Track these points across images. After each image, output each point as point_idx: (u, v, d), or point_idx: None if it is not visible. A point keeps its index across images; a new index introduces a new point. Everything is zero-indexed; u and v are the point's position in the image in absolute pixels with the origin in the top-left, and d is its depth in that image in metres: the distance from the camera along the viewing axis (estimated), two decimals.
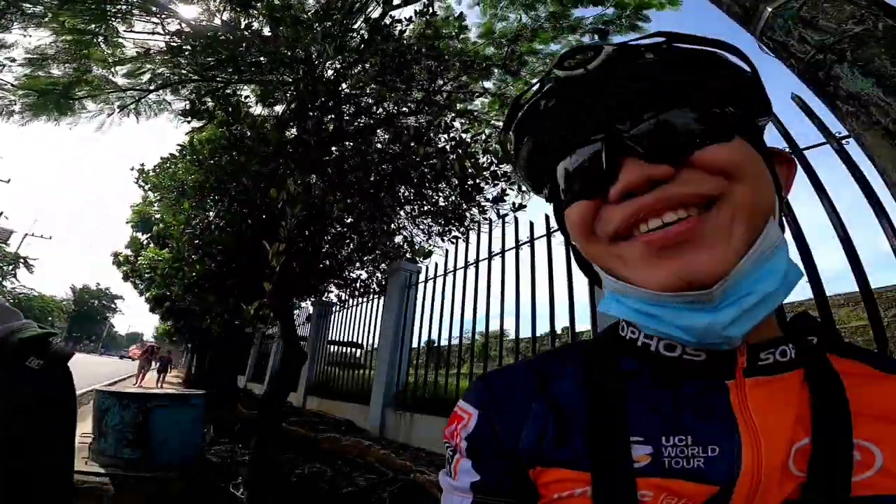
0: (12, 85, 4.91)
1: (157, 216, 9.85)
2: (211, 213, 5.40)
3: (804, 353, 0.43)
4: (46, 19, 4.30)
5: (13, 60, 4.77)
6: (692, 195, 0.39)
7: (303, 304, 9.96)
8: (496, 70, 5.21)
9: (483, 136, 4.27)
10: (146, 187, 8.93)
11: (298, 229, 3.46)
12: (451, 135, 4.24)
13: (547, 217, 3.20)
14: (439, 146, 4.05)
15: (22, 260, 50.17)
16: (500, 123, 5.72)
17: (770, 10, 1.64)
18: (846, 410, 0.39)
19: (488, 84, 5.48)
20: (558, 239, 3.01)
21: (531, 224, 3.62)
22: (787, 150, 2.28)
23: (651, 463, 0.39)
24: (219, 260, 4.94)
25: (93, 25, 4.36)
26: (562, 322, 6.59)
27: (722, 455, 0.38)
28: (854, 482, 0.36)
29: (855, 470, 0.37)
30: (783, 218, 0.48)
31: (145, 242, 11.51)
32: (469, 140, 4.28)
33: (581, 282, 2.97)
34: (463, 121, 4.58)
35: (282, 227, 3.20)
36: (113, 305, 75.36)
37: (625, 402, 0.43)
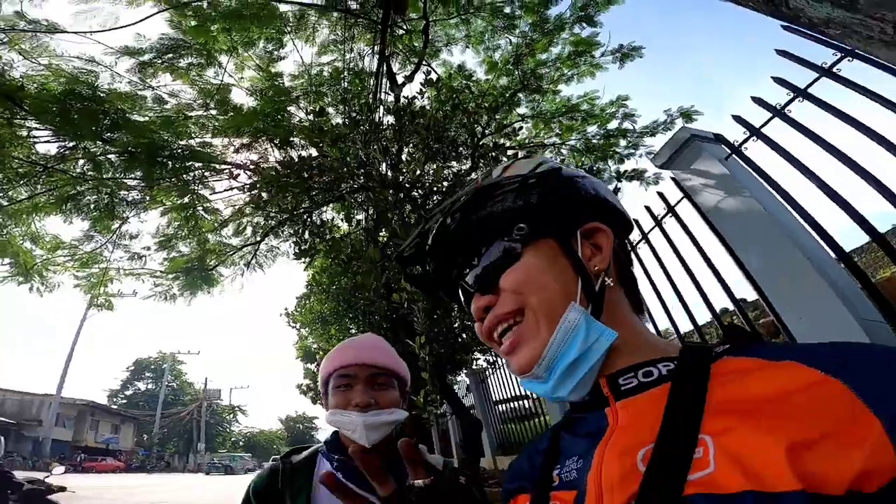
0: (161, 272, 5.49)
1: (315, 346, 11.14)
2: (353, 329, 6.02)
3: (679, 367, 0.48)
4: (147, 201, 4.82)
5: (148, 249, 5.37)
6: (505, 314, 0.55)
7: (458, 379, 10.33)
8: (521, 95, 5.29)
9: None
10: (296, 326, 10.08)
11: (429, 317, 3.72)
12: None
13: (648, 208, 2.98)
14: None
15: (237, 408, 61.02)
16: (552, 141, 5.77)
17: None
18: (697, 409, 0.43)
19: (522, 110, 5.58)
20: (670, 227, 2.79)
21: (636, 222, 3.35)
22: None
23: (558, 480, 0.52)
24: None
25: (185, 198, 4.91)
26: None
27: (584, 465, 0.49)
28: (690, 480, 0.39)
29: (694, 466, 0.39)
30: (616, 264, 0.58)
31: (316, 370, 13.09)
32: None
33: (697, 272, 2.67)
34: (517, 153, 4.64)
35: (415, 322, 3.50)
36: (312, 425, 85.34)
37: (559, 438, 0.57)
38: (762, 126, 2.25)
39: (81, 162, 4.23)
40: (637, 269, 3.04)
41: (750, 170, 2.34)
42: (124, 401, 55.46)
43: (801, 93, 2.11)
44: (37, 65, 3.68)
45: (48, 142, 4.07)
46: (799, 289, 2.03)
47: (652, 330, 0.60)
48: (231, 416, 64.08)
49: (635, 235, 3.12)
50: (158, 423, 45.60)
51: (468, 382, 9.85)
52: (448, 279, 0.63)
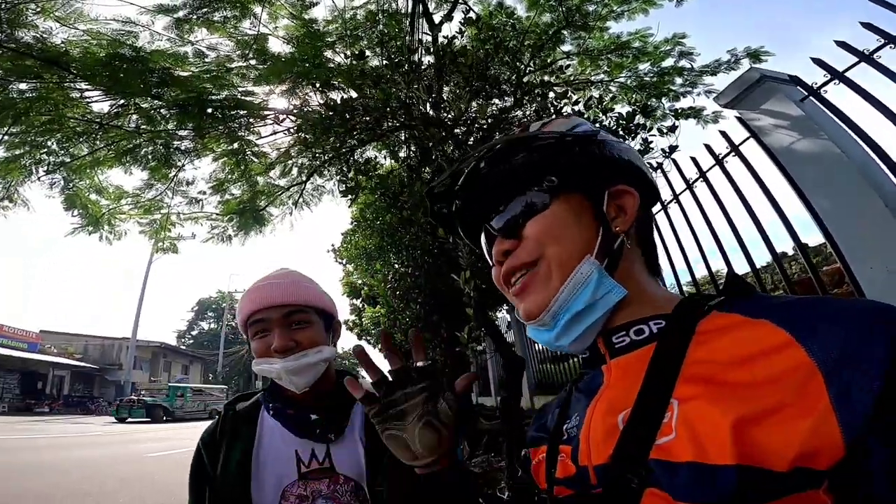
0: (217, 214, 5.67)
1: (360, 282, 11.54)
2: (397, 265, 6.20)
3: (673, 325, 0.49)
4: (199, 149, 4.93)
5: (204, 193, 5.50)
6: (520, 264, 0.57)
7: (499, 315, 10.53)
8: (565, 33, 4.93)
9: (596, 98, 4.06)
10: (343, 262, 10.33)
11: (473, 252, 3.77)
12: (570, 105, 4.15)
13: (708, 147, 2.87)
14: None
15: None
16: (599, 79, 5.41)
17: None
18: (673, 371, 0.44)
19: (567, 48, 5.21)
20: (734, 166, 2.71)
21: (694, 160, 3.18)
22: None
23: (566, 434, 0.56)
24: (419, 302, 5.59)
25: (235, 144, 5.04)
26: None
27: (580, 421, 0.53)
28: (657, 444, 0.40)
29: (662, 431, 0.41)
30: (632, 229, 0.58)
31: (361, 305, 13.68)
32: (589, 107, 4.13)
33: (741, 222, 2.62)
34: (566, 91, 4.42)
35: (460, 258, 3.54)
36: (356, 361, 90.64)
37: (572, 393, 0.61)
38: (847, 70, 2.15)
39: (135, 117, 4.36)
40: (693, 210, 3.00)
41: (829, 112, 2.23)
42: (191, 341, 57.86)
43: (893, 39, 2.00)
44: (76, 30, 3.73)
45: (100, 101, 4.18)
46: (874, 235, 1.94)
47: (667, 289, 0.61)
48: None
49: (692, 173, 3.01)
50: (221, 362, 46.94)
51: (508, 319, 10.05)
52: (472, 221, 0.65)
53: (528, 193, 0.58)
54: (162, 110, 4.29)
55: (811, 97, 2.28)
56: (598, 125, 3.86)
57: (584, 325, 0.52)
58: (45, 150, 4.43)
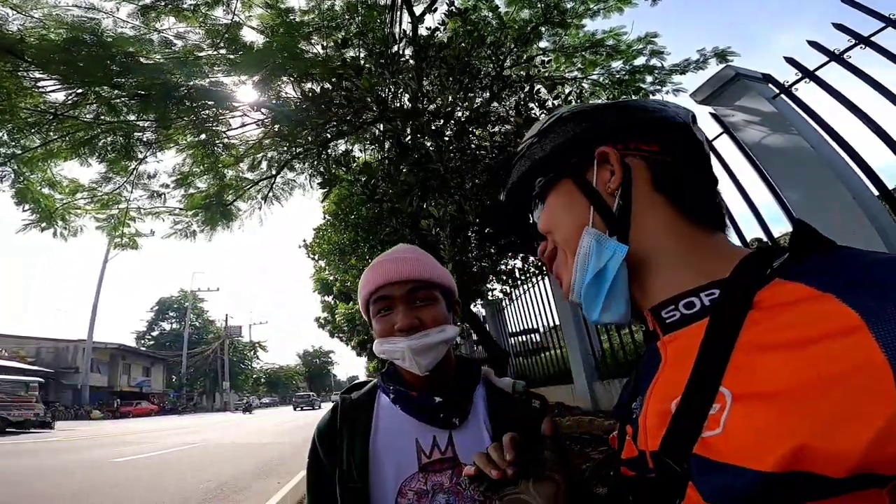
0: (180, 209, 5.47)
1: (332, 278, 11.35)
2: (372, 259, 6.11)
3: (727, 296, 0.43)
4: (162, 140, 4.73)
5: (166, 187, 5.26)
6: (547, 260, 0.62)
7: (473, 309, 10.56)
8: (542, 29, 4.98)
9: (565, 94, 4.12)
10: (315, 257, 10.11)
11: (455, 244, 3.77)
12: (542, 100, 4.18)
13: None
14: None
15: (258, 344, 63.26)
16: (573, 76, 5.50)
17: None
18: (721, 355, 0.40)
19: (543, 44, 5.27)
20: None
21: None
22: None
23: (634, 414, 0.53)
24: None
25: (202, 136, 4.86)
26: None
27: (640, 403, 0.51)
28: (703, 437, 0.38)
29: (709, 423, 0.38)
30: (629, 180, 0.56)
31: (333, 302, 13.48)
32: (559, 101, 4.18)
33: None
34: (538, 87, 4.46)
35: (441, 249, 3.53)
36: (329, 359, 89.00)
37: (640, 367, 0.58)
38: (818, 69, 2.27)
39: (94, 107, 4.11)
40: None
41: (799, 109, 2.35)
42: (152, 342, 55.51)
43: (863, 40, 2.11)
44: (32, 18, 3.51)
45: (57, 90, 3.94)
46: (842, 226, 2.04)
47: (729, 242, 0.54)
48: (252, 352, 64.43)
49: None
50: (185, 363, 45.54)
51: (483, 314, 10.10)
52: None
53: (534, 203, 0.64)
54: (123, 99, 4.07)
55: (783, 95, 2.39)
56: None
57: (602, 292, 0.51)
58: None
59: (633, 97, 5.35)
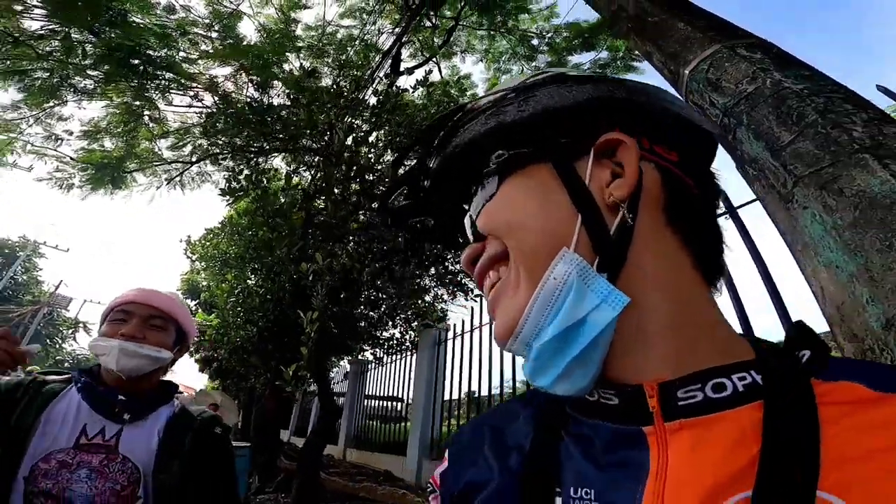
0: (71, 158, 5.13)
1: (204, 284, 10.53)
2: (251, 282, 5.97)
3: (772, 381, 0.34)
4: (97, 93, 4.60)
5: (70, 133, 5.04)
6: (488, 261, 0.41)
7: (340, 363, 10.36)
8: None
9: None
10: (193, 258, 9.40)
11: (331, 297, 3.76)
12: None
13: None
14: None
15: (81, 324, 53.11)
16: None
17: (686, 72, 1.57)
18: (812, 454, 0.31)
19: None
20: None
21: None
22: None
23: None
24: (260, 325, 5.38)
25: (137, 102, 4.73)
26: None
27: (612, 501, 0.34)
28: None
29: None
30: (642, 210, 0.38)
31: (194, 308, 12.37)
32: None
33: None
34: None
35: (314, 297, 3.53)
36: (172, 370, 77.45)
37: (557, 448, 0.40)
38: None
39: (57, 43, 3.94)
40: None
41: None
42: None
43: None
44: None
45: (34, 19, 3.78)
46: None
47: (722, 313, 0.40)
48: (71, 331, 55.00)
49: None
50: None
51: (347, 369, 9.92)
52: (455, 226, 0.51)
53: (478, 186, 0.44)
54: (88, 46, 3.95)
55: None
56: None
57: (570, 353, 0.35)
58: None
59: None
